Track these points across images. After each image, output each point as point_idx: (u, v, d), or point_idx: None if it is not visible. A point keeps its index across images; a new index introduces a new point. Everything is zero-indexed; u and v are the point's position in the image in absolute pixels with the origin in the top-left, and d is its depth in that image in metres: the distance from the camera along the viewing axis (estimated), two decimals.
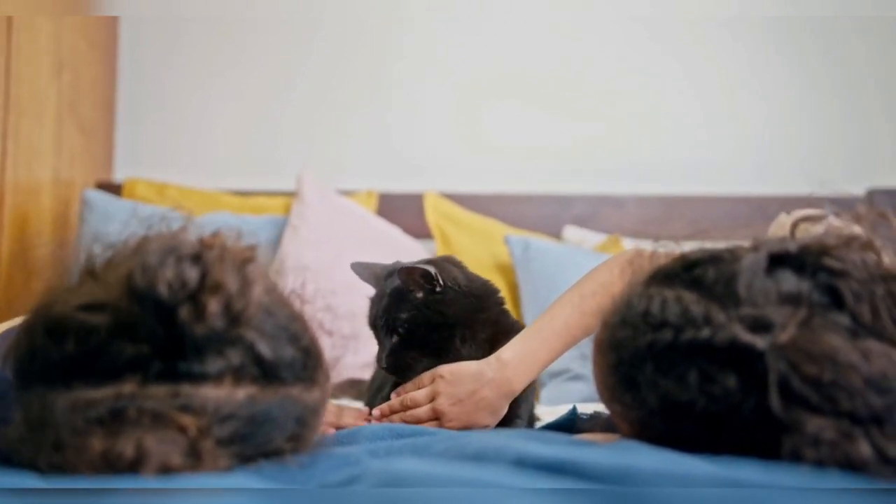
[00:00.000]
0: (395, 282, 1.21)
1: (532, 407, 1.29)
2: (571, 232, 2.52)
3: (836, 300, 0.69)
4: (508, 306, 1.30)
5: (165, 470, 0.64)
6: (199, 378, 0.68)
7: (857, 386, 0.64)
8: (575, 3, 2.72)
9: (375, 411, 1.20)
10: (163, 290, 0.68)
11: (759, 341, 0.67)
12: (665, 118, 2.76)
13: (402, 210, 2.52)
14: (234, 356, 0.69)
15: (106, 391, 0.66)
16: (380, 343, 1.23)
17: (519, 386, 1.16)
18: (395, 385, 1.23)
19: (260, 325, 0.71)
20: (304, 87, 2.74)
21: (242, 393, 0.68)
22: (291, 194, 2.43)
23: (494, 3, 2.73)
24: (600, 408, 0.86)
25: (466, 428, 1.15)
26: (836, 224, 0.78)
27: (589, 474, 0.62)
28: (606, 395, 0.79)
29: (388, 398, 1.22)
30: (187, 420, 0.65)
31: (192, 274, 0.69)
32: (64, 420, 0.66)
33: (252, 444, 0.70)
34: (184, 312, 0.67)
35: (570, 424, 1.14)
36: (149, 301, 0.68)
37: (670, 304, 0.72)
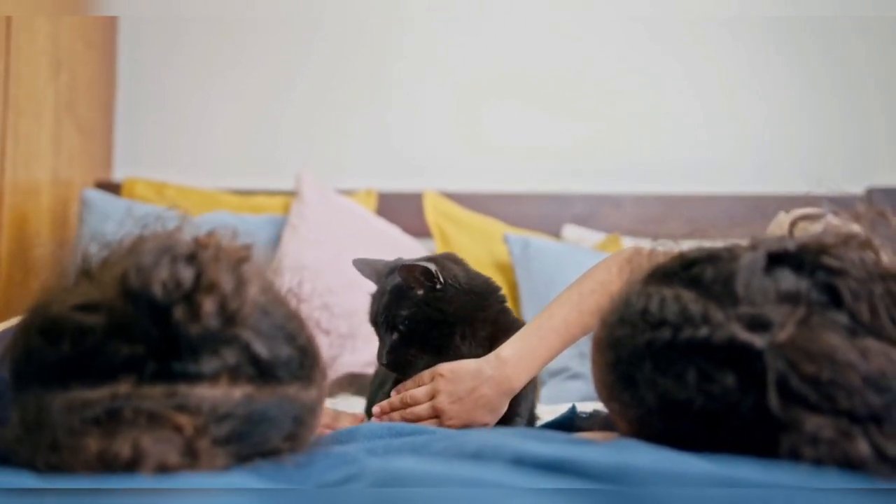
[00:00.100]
0: (396, 279, 1.21)
1: (532, 405, 1.28)
2: (571, 231, 2.53)
3: (835, 299, 0.69)
4: (508, 305, 1.29)
5: (162, 469, 0.64)
6: (195, 378, 0.67)
7: (856, 384, 0.64)
8: (575, 3, 2.72)
9: (376, 408, 1.20)
10: (157, 290, 0.67)
11: (758, 340, 0.67)
12: (665, 118, 2.76)
13: (401, 209, 2.52)
14: (230, 356, 0.69)
15: (102, 391, 0.66)
16: (380, 339, 1.23)
17: (518, 384, 1.15)
18: (397, 382, 1.23)
19: (256, 324, 0.71)
20: (303, 86, 2.74)
21: (239, 392, 0.68)
22: (291, 193, 2.43)
23: (494, 3, 2.73)
24: (599, 406, 0.86)
25: (466, 426, 1.14)
26: (835, 223, 0.78)
27: (587, 473, 0.62)
28: (605, 393, 0.79)
29: (389, 395, 1.22)
30: (183, 419, 0.65)
31: (186, 274, 0.69)
32: (60, 420, 0.66)
33: (249, 443, 0.69)
34: (179, 312, 0.67)
35: (569, 423, 1.13)
36: (143, 301, 0.68)
37: (669, 302, 0.72)
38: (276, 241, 2.28)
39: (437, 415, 1.15)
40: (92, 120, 2.58)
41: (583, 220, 2.57)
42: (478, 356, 1.17)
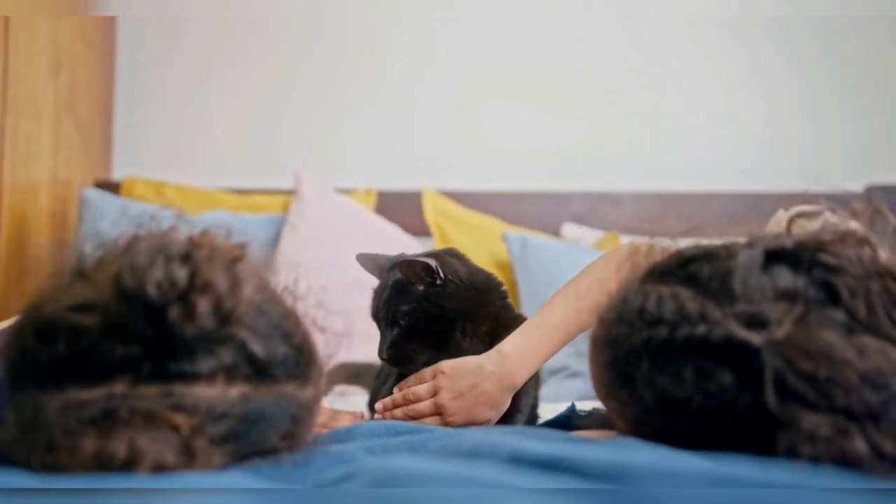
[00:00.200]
0: (398, 274, 1.21)
1: (534, 401, 1.28)
2: (570, 229, 2.53)
3: (832, 296, 0.69)
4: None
5: (159, 469, 0.63)
6: (191, 377, 0.67)
7: (853, 382, 0.64)
8: (575, 3, 2.72)
9: (378, 404, 1.20)
10: (152, 290, 0.67)
11: (755, 338, 0.67)
12: (665, 118, 2.76)
13: (400, 208, 2.52)
14: (226, 355, 0.69)
15: (97, 391, 0.66)
16: (381, 334, 1.23)
17: (520, 379, 1.15)
18: (399, 378, 1.23)
19: (251, 323, 0.71)
20: (303, 86, 2.74)
21: (235, 391, 0.68)
22: (290, 193, 2.43)
23: (494, 3, 2.73)
24: (598, 405, 0.86)
25: (468, 422, 1.14)
26: (832, 220, 0.78)
27: (584, 471, 0.62)
28: (602, 391, 0.79)
29: (391, 391, 1.22)
30: (180, 419, 0.65)
31: (181, 274, 0.68)
32: (56, 421, 0.65)
33: (246, 442, 0.69)
34: (173, 312, 0.67)
35: (567, 422, 1.13)
36: (138, 301, 0.67)
37: (666, 300, 0.72)
38: (275, 240, 2.29)
39: (439, 411, 1.14)
40: (91, 120, 2.58)
41: (582, 219, 2.57)
42: (479, 352, 1.17)
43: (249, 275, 0.73)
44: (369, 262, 1.28)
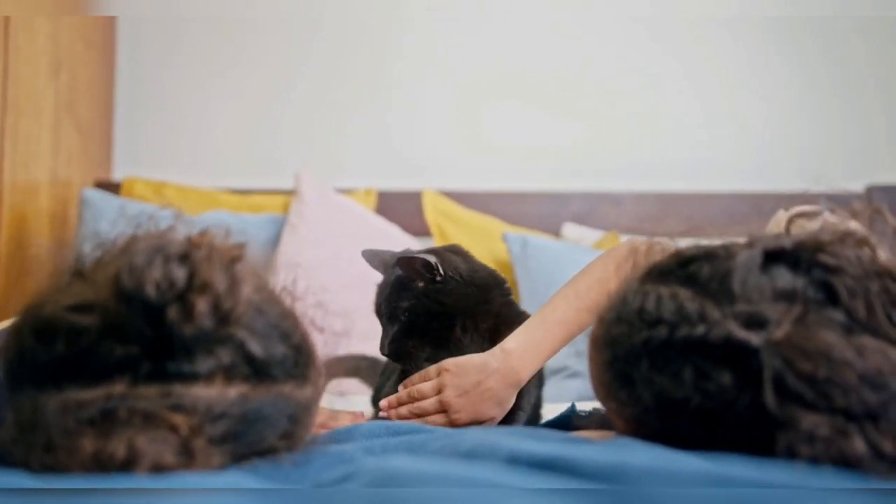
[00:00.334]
0: (399, 270, 1.21)
1: (535, 399, 1.27)
2: (570, 229, 2.53)
3: (831, 296, 0.69)
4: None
5: (158, 469, 0.63)
6: (190, 377, 0.67)
7: (852, 382, 0.64)
8: (575, 3, 2.72)
9: (383, 402, 1.20)
10: (150, 290, 0.67)
11: (754, 338, 0.66)
12: (665, 118, 2.76)
13: (400, 208, 2.52)
14: (225, 355, 0.69)
15: (96, 392, 0.66)
16: (383, 330, 1.24)
17: (525, 375, 1.15)
18: (402, 374, 1.24)
19: (250, 323, 0.71)
20: (303, 86, 2.74)
21: (234, 391, 0.68)
22: (290, 193, 2.43)
23: (494, 3, 2.73)
24: (599, 405, 0.86)
25: (473, 419, 1.14)
26: (832, 220, 0.78)
27: (582, 472, 0.62)
28: (602, 391, 0.79)
29: (395, 387, 1.23)
30: (179, 419, 0.65)
31: (179, 274, 0.68)
32: (54, 421, 0.65)
33: (245, 442, 0.69)
34: (172, 313, 0.67)
35: (567, 422, 1.13)
36: (137, 302, 0.67)
37: (665, 300, 0.72)
38: (276, 240, 2.29)
39: (443, 409, 1.14)
40: (91, 120, 2.58)
41: (582, 219, 2.57)
42: (480, 348, 1.17)
43: (248, 275, 0.73)
44: (374, 257, 1.29)
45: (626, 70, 2.75)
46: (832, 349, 0.65)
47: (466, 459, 0.69)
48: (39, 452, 0.65)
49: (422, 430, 1.00)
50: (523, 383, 1.16)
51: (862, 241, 0.72)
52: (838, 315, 0.68)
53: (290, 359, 0.74)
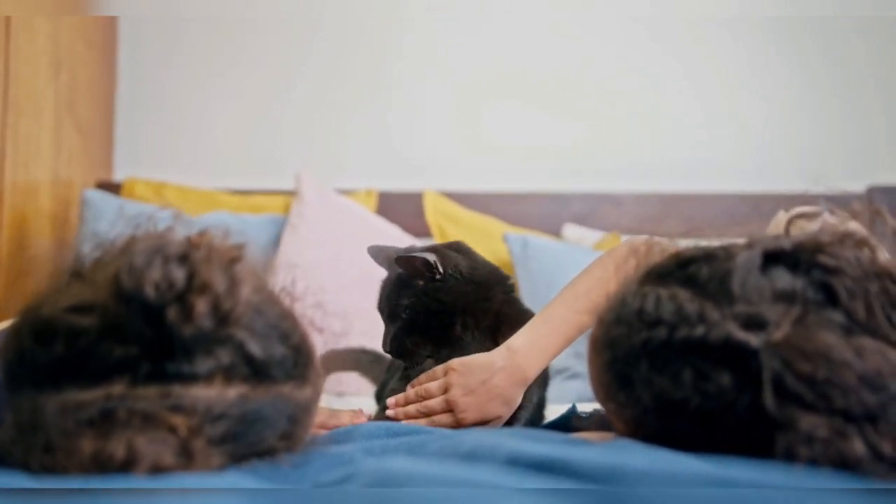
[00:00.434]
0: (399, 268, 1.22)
1: (540, 400, 1.27)
2: (570, 230, 2.53)
3: (831, 297, 0.69)
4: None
5: (157, 470, 0.63)
6: (189, 378, 0.67)
7: (851, 383, 0.64)
8: (575, 3, 2.72)
9: (391, 400, 1.20)
10: (150, 291, 0.67)
11: (753, 339, 0.66)
12: (665, 118, 2.76)
13: (401, 209, 2.52)
14: (224, 356, 0.69)
15: (95, 392, 0.65)
16: (385, 327, 1.24)
17: (531, 372, 1.15)
18: (405, 371, 1.24)
19: (249, 323, 0.71)
20: (303, 86, 2.74)
21: (233, 392, 0.68)
22: (291, 193, 2.43)
23: (494, 3, 2.73)
24: (599, 406, 0.85)
25: (480, 419, 1.14)
26: (831, 221, 0.78)
27: (580, 473, 0.62)
28: (601, 393, 0.79)
29: (399, 383, 1.23)
30: (178, 420, 0.65)
31: (178, 274, 0.68)
32: (54, 422, 0.65)
33: (244, 443, 0.69)
34: (171, 313, 0.67)
35: (567, 423, 1.13)
36: (136, 302, 0.67)
37: (665, 301, 0.72)
38: (276, 241, 2.29)
39: (450, 408, 1.14)
40: (92, 120, 2.58)
41: (583, 219, 2.57)
42: (481, 345, 1.18)
43: (247, 275, 0.72)
44: (379, 254, 1.29)
45: (626, 70, 2.75)
46: (831, 350, 0.65)
47: (465, 460, 0.69)
48: (39, 453, 0.65)
49: (421, 431, 1.00)
50: (530, 381, 1.16)
51: (861, 243, 0.72)
52: (837, 316, 0.68)
53: (289, 359, 0.73)
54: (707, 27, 2.73)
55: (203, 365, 0.68)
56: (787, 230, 0.78)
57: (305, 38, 2.74)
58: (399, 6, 2.72)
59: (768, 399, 0.65)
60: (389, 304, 1.23)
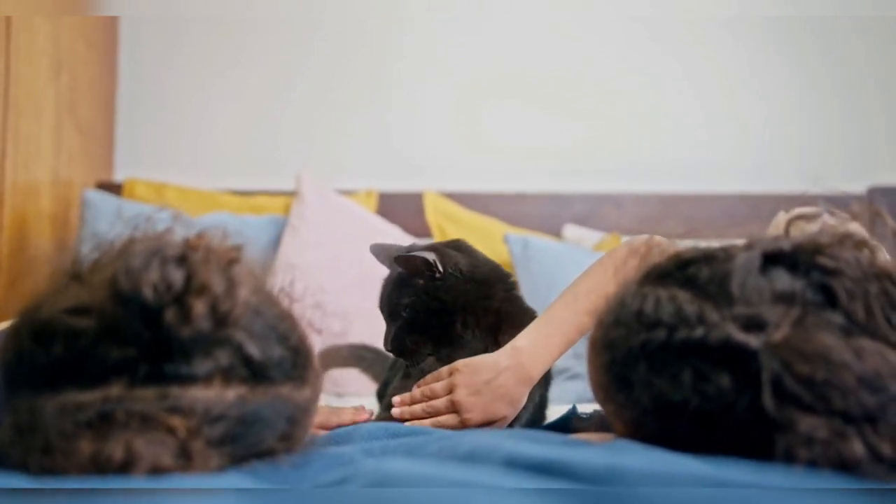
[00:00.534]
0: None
1: (538, 397, 1.27)
2: (571, 230, 2.53)
3: (830, 299, 0.69)
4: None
5: (156, 472, 0.63)
6: (188, 380, 0.67)
7: (851, 385, 0.64)
8: (575, 3, 2.72)
9: (396, 398, 1.20)
10: (148, 292, 0.67)
11: (753, 340, 0.66)
12: (665, 118, 2.76)
13: (401, 209, 2.52)
14: (223, 357, 0.69)
15: (94, 394, 0.65)
16: (387, 326, 1.25)
17: (536, 372, 1.15)
18: (407, 369, 1.25)
19: (248, 325, 0.71)
20: (304, 87, 2.74)
21: (232, 393, 0.68)
22: (291, 194, 2.44)
23: (494, 3, 2.73)
24: (599, 407, 0.85)
25: (485, 419, 1.14)
26: (831, 222, 0.78)
27: (578, 474, 0.61)
28: (600, 394, 0.79)
29: (401, 382, 1.24)
30: (176, 421, 0.65)
31: (176, 276, 0.68)
32: (52, 424, 0.65)
33: (243, 444, 0.69)
34: (169, 315, 0.67)
35: (567, 424, 1.13)
36: (134, 304, 0.67)
37: (664, 303, 0.72)
38: (277, 241, 2.29)
39: (455, 409, 1.14)
40: (92, 120, 2.58)
41: (583, 220, 2.57)
42: (482, 343, 1.18)
43: (245, 276, 0.72)
44: (381, 252, 1.29)
45: (626, 70, 2.75)
46: (831, 351, 0.65)
47: (464, 461, 0.69)
48: (37, 455, 0.65)
49: (421, 432, 1.00)
50: (535, 381, 1.16)
51: (861, 244, 0.72)
52: (837, 317, 0.68)
53: (288, 360, 0.73)
54: (707, 27, 2.73)
55: (201, 366, 0.68)
56: (786, 231, 0.78)
57: (305, 38, 2.74)
58: (399, 6, 2.72)
59: (767, 400, 0.64)
60: (390, 303, 1.23)
